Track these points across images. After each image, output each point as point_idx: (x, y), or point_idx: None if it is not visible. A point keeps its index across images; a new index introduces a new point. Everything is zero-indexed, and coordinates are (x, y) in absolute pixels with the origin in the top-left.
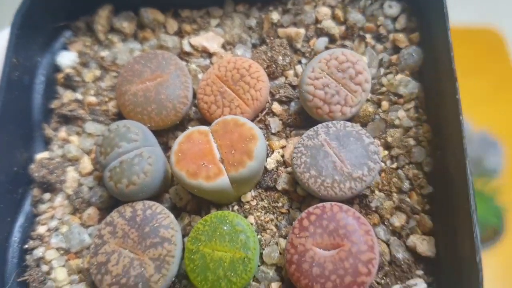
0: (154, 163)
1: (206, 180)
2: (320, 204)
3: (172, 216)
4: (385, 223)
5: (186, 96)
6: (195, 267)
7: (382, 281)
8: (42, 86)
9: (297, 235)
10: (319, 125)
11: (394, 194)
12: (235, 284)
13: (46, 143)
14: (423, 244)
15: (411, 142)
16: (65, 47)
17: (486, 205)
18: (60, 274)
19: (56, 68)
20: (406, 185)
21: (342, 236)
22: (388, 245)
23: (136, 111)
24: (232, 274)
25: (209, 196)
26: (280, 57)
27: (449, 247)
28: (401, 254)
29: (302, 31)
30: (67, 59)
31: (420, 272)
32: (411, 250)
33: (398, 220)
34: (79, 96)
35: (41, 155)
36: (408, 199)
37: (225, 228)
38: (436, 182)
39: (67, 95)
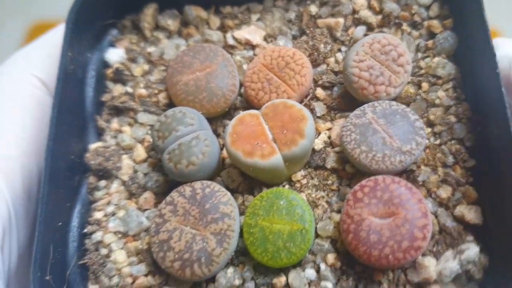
0: (211, 144)
1: (261, 158)
2: (372, 177)
3: (229, 193)
4: (432, 196)
5: (234, 84)
6: (255, 240)
7: (434, 249)
8: (93, 80)
9: (352, 206)
10: (365, 105)
11: (439, 168)
12: (294, 254)
13: (99, 134)
14: (470, 213)
15: (452, 119)
16: (112, 45)
17: None
18: (120, 256)
19: (105, 64)
20: (450, 159)
21: (397, 205)
22: (436, 216)
23: (188, 99)
24: (292, 245)
25: (262, 175)
26: (322, 45)
27: (496, 215)
28: (450, 223)
29: (341, 20)
30: (115, 55)
31: (470, 238)
32: (459, 220)
33: (444, 192)
34: (129, 89)
35: (94, 145)
36: (452, 172)
37: (281, 202)
38: (478, 155)
39: (117, 89)
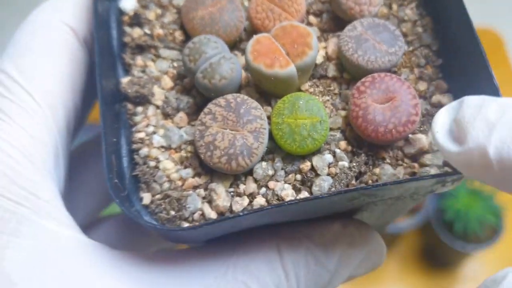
0: (235, 62)
1: (280, 69)
2: (370, 75)
3: (255, 101)
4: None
5: (242, 16)
6: (284, 134)
7: (421, 128)
8: (115, 25)
9: (358, 97)
10: (354, 22)
11: (415, 69)
12: (317, 140)
13: (126, 70)
14: (444, 99)
15: (419, 30)
16: None
17: (485, 204)
18: (168, 164)
19: (121, 12)
20: (422, 61)
21: (392, 92)
22: None
23: (206, 31)
24: (314, 133)
25: (279, 85)
26: None
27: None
28: (430, 109)
29: None
30: (128, 4)
31: None
32: (436, 105)
33: (422, 86)
34: (147, 31)
35: (125, 79)
36: (426, 71)
37: (301, 102)
38: (443, 55)
39: (136, 31)
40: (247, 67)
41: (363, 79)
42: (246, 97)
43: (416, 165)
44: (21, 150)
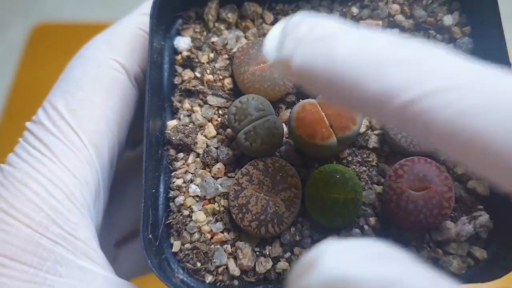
0: (279, 127)
1: (322, 141)
2: (409, 158)
3: (293, 168)
4: (450, 172)
5: None
6: (315, 206)
7: (452, 214)
8: (167, 66)
9: (394, 181)
10: None
11: None
12: (347, 218)
13: (173, 112)
14: (479, 187)
15: None
16: (179, 33)
17: None
18: (200, 216)
19: (175, 51)
20: None
21: (429, 181)
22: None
23: (255, 87)
24: (346, 210)
25: (318, 151)
26: None
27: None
28: (464, 194)
29: (380, 22)
30: (183, 43)
31: (480, 207)
32: (471, 192)
33: (460, 169)
34: (197, 74)
35: (171, 122)
36: None
37: (337, 176)
38: None
39: (186, 73)
40: (290, 131)
41: (402, 161)
42: (284, 162)
43: (440, 251)
44: (64, 191)
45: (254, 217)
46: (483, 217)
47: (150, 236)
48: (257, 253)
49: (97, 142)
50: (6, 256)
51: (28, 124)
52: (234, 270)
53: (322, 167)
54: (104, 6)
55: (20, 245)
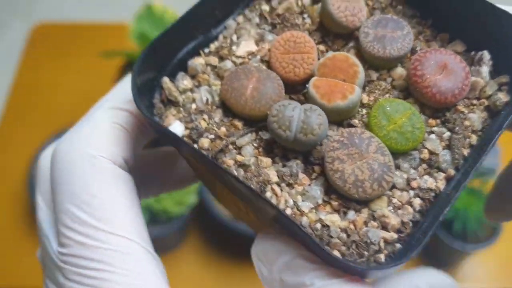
0: (316, 108)
1: (351, 94)
2: (415, 56)
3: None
4: None
5: (277, 76)
6: (396, 140)
7: None
8: None
9: (421, 81)
10: (361, 29)
11: (419, 36)
12: (421, 127)
13: None
14: (456, 46)
15: (399, 7)
16: None
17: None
18: (333, 217)
19: None
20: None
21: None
22: None
23: (262, 103)
24: (416, 123)
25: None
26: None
27: None
28: None
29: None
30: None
31: None
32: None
33: (433, 46)
34: None
35: None
36: (425, 33)
37: (388, 108)
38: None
39: None
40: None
41: (412, 65)
42: (352, 129)
43: None
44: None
45: (370, 181)
46: None
47: None
48: (392, 209)
49: (132, 230)
50: None
51: (60, 250)
52: (392, 236)
53: (371, 111)
54: (104, 6)
55: None
